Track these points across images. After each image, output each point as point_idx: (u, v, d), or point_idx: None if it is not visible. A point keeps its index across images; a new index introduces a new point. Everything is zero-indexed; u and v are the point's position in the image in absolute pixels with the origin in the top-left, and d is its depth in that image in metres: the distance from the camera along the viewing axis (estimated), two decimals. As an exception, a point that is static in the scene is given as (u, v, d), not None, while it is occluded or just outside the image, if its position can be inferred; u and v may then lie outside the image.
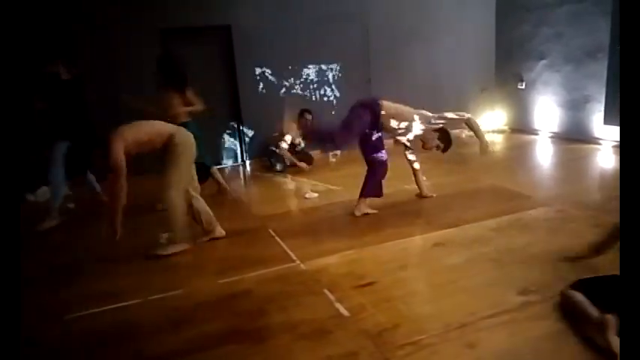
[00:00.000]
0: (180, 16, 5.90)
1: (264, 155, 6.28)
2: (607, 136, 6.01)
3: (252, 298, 2.65)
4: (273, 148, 5.89)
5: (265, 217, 4.11)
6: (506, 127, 7.77)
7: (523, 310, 2.31)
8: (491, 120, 7.77)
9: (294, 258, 3.15)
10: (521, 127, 7.48)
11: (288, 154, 5.56)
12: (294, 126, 5.65)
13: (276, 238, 3.57)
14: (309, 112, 6.08)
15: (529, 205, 3.84)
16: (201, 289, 2.79)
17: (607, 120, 6.03)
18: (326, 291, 2.65)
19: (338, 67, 6.85)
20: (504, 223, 3.49)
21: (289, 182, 5.42)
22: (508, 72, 7.52)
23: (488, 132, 7.41)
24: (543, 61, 6.87)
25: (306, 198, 4.59)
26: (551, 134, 6.95)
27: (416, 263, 3.00)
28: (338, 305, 2.49)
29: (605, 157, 5.58)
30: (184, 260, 3.26)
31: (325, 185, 4.99)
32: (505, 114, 7.78)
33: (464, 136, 6.54)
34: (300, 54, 6.56)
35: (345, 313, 2.41)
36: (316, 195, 4.63)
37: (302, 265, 3.03)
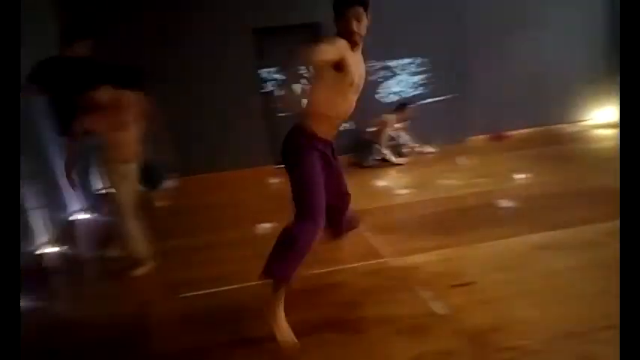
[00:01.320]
0: (271, 14, 6.10)
1: (353, 151, 6.29)
2: None
3: (347, 290, 2.70)
4: (371, 141, 5.87)
5: (356, 211, 4.14)
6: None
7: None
8: (602, 114, 7.10)
9: (388, 254, 3.15)
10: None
11: (387, 151, 5.54)
12: (394, 119, 5.64)
13: (368, 233, 3.59)
14: (408, 104, 5.97)
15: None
16: (298, 278, 2.89)
17: None
18: (421, 288, 2.62)
19: (428, 61, 6.66)
20: (615, 228, 3.18)
21: (380, 177, 5.39)
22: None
23: (597, 126, 6.78)
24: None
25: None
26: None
27: (518, 265, 2.84)
28: (434, 303, 2.44)
29: None
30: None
31: (419, 181, 4.90)
32: (617, 107, 7.05)
33: (570, 131, 6.05)
34: (390, 47, 6.45)
35: (442, 311, 2.36)
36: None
37: (394, 262, 3.02)
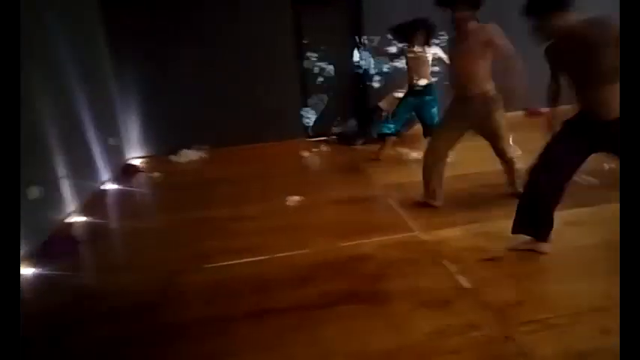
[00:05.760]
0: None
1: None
2: None
3: (373, 263, 2.78)
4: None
5: (385, 185, 4.20)
6: None
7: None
8: None
9: (415, 228, 3.20)
10: None
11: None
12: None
13: (396, 207, 3.64)
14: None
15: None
16: (325, 250, 2.99)
17: None
18: (447, 262, 2.68)
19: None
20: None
21: (407, 153, 5.35)
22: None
23: None
24: None
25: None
26: None
27: (545, 241, 2.85)
28: (459, 277, 2.50)
29: None
30: (309, 222, 3.51)
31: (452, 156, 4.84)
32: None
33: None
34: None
35: (467, 285, 2.42)
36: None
37: (422, 236, 3.07)
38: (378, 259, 2.81)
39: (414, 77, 4.80)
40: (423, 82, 4.78)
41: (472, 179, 4.05)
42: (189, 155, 5.90)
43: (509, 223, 2.91)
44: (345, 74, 6.43)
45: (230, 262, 2.94)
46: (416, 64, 4.77)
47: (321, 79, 6.38)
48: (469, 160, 4.51)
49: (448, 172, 4.37)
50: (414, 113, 5.06)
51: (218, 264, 2.93)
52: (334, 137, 6.39)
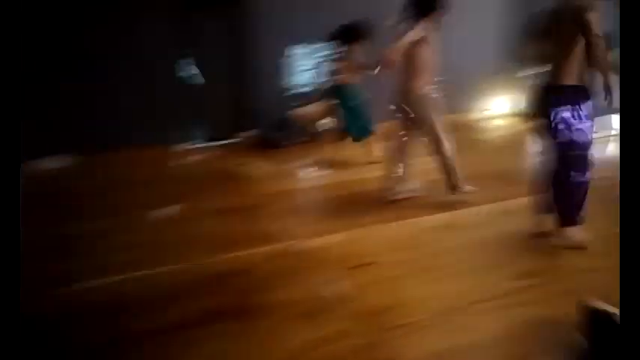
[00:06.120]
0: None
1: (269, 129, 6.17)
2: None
3: (248, 276, 2.67)
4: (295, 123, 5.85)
5: (267, 194, 4.13)
6: (512, 112, 7.51)
7: (516, 294, 2.31)
8: (499, 105, 7.52)
9: (294, 236, 3.16)
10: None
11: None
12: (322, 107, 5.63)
13: (278, 215, 3.59)
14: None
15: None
16: (197, 265, 2.81)
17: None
18: (325, 270, 2.68)
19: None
20: (506, 207, 3.44)
21: (292, 160, 5.36)
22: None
23: (495, 117, 7.21)
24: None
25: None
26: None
27: (415, 245, 2.98)
28: (334, 285, 2.51)
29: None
30: (184, 234, 3.30)
31: (331, 163, 4.95)
32: (511, 99, 7.50)
33: (467, 119, 6.41)
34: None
35: (341, 292, 2.43)
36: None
37: (301, 244, 3.04)
38: (254, 272, 2.72)
39: (345, 79, 4.71)
40: (353, 84, 4.75)
41: (352, 185, 4.15)
42: (48, 163, 5.27)
43: (386, 228, 3.02)
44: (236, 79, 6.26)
45: (89, 285, 2.63)
46: (349, 68, 4.68)
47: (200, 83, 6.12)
48: (348, 166, 4.66)
49: (329, 179, 4.47)
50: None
51: (73, 287, 2.62)
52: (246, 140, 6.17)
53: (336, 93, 4.80)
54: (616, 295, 1.44)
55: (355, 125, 4.77)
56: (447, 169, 3.48)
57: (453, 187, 3.50)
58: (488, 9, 7.09)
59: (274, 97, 6.15)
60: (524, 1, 6.87)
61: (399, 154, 3.65)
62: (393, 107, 3.59)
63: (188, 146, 6.00)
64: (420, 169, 3.80)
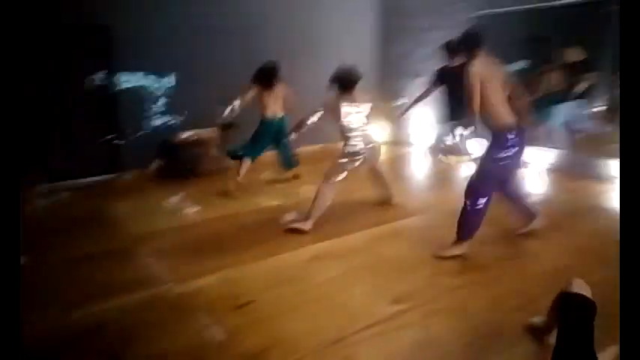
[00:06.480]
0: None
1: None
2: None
3: (114, 331, 2.37)
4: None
5: (139, 235, 3.75)
6: (387, 140, 8.12)
7: (395, 319, 2.38)
8: (376, 133, 8.05)
9: (167, 280, 2.91)
10: (398, 140, 7.91)
11: None
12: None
13: (150, 258, 3.28)
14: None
15: (403, 214, 4.00)
16: (45, 327, 2.40)
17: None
18: (201, 314, 2.48)
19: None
20: (380, 233, 3.59)
21: (169, 194, 5.00)
22: (388, 89, 7.90)
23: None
24: (420, 79, 7.30)
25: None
26: (426, 147, 7.44)
27: (294, 278, 2.92)
28: (213, 329, 2.34)
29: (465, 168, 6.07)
30: (33, 289, 2.80)
31: (205, 199, 4.72)
32: (386, 128, 8.11)
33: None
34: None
35: (221, 337, 2.27)
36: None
37: (175, 288, 2.80)
38: (118, 326, 2.41)
39: (270, 109, 4.88)
40: (279, 114, 4.94)
41: (226, 222, 3.99)
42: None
43: (262, 265, 2.92)
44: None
45: None
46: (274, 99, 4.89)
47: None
48: (223, 201, 4.49)
49: (205, 214, 4.23)
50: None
51: None
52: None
53: (268, 125, 4.98)
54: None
55: (285, 156, 5.22)
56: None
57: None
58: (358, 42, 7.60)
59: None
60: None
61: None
62: None
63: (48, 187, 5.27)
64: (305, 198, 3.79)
